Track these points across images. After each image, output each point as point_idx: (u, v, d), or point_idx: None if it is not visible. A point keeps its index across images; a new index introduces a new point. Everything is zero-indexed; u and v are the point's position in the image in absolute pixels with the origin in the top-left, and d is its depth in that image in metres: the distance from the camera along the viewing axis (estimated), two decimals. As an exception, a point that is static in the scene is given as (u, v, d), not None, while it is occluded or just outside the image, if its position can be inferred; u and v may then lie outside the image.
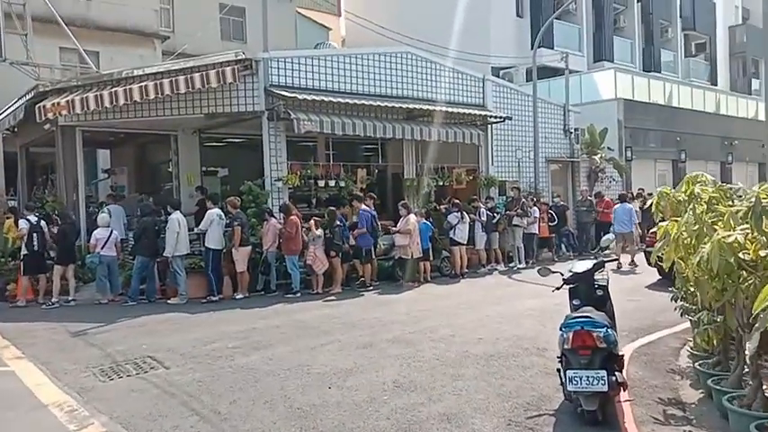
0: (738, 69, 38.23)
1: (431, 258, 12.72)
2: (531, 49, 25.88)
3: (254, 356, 6.78)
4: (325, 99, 12.68)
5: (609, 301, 5.56)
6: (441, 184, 15.03)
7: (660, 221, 5.26)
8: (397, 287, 11.76)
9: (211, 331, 8.19)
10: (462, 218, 13.02)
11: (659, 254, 4.84)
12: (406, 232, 11.84)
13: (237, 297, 11.01)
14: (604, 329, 4.56)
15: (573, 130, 19.57)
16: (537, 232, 15.21)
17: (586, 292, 5.49)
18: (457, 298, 10.53)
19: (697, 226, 4.05)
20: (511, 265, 14.62)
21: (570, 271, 5.58)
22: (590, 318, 4.63)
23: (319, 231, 11.18)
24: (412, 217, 12.03)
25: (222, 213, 11.26)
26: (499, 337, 7.31)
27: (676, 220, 4.89)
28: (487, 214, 14.03)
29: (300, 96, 12.41)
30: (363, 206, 11.81)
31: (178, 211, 11.27)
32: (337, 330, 8.00)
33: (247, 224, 11.42)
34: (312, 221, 11.32)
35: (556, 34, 25.82)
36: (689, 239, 4.18)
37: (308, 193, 13.51)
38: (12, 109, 13.13)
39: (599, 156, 19.38)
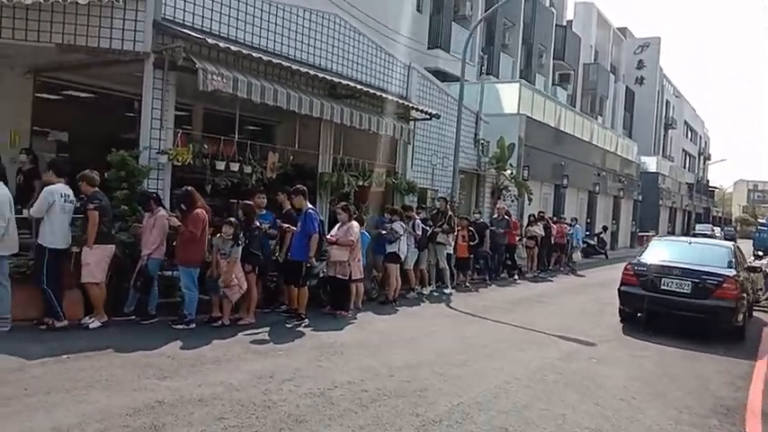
0: (588, 104, 40.41)
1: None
2: (429, 48, 24.27)
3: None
4: (243, 51, 9.20)
5: None
6: (362, 184, 12.10)
7: None
8: (332, 320, 8.59)
9: (72, 410, 4.46)
10: (406, 229, 10.27)
11: None
12: (347, 244, 8.73)
13: (91, 325, 7.14)
14: None
15: (482, 141, 17.90)
16: (453, 252, 12.98)
17: None
18: (425, 342, 7.63)
19: None
20: (438, 289, 12.19)
21: None
22: None
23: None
24: (355, 225, 8.94)
25: (71, 192, 7.31)
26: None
27: None
28: (423, 228, 11.46)
29: (210, 41, 8.79)
30: (309, 204, 8.36)
31: (2, 184, 7.03)
32: (323, 420, 4.75)
33: (110, 210, 7.56)
34: (226, 222, 7.78)
35: (453, 39, 24.27)
36: None
37: (200, 177, 9.78)
38: None
39: (509, 172, 17.90)
